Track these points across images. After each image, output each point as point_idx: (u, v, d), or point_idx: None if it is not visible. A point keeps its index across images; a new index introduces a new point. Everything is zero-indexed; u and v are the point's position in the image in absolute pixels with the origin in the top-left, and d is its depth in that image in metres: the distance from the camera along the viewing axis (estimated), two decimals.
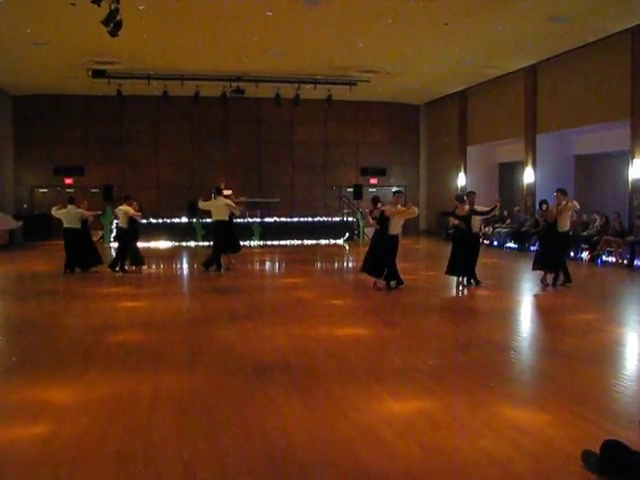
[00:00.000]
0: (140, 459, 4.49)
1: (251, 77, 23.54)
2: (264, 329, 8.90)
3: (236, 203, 15.99)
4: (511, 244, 21.27)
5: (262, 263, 18.03)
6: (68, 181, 27.67)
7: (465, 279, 12.80)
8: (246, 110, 28.09)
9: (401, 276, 12.49)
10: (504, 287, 13.27)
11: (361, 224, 24.31)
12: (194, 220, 23.04)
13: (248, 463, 4.44)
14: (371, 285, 12.48)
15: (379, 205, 12.39)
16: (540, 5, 14.93)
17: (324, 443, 4.77)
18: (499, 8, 15.22)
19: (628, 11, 15.51)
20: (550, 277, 12.80)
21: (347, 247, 22.87)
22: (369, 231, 13.08)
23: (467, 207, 12.83)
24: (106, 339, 8.31)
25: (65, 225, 14.86)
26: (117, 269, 14.86)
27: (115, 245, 21.75)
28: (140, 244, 15.95)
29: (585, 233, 17.88)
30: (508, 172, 26.04)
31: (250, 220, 22.94)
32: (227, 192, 22.93)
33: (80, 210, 14.94)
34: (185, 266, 18.11)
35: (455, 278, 12.84)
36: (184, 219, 23.27)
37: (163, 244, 22.23)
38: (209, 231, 22.47)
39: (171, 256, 19.70)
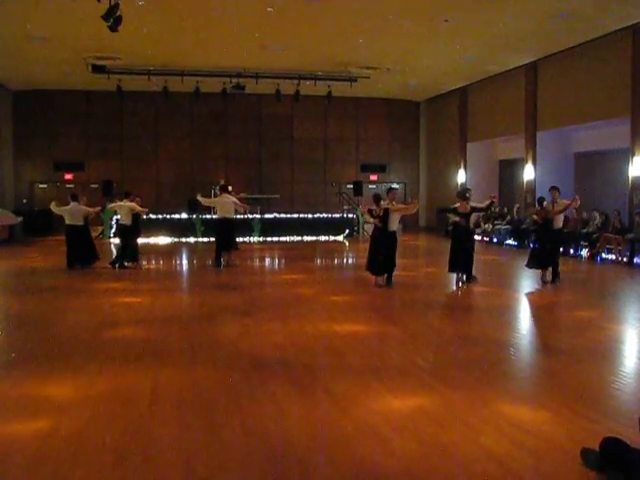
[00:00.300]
0: (140, 454, 4.50)
1: (251, 73, 23.50)
2: (263, 325, 8.91)
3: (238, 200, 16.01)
4: (510, 241, 21.26)
5: (262, 259, 18.02)
6: (68, 176, 27.68)
7: (464, 276, 12.82)
8: (246, 106, 28.06)
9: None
10: (503, 284, 13.28)
11: (361, 220, 24.30)
12: (194, 216, 23.03)
13: (247, 459, 4.44)
14: (371, 281, 12.49)
15: (382, 203, 12.38)
16: (541, 2, 14.91)
17: (323, 439, 4.78)
18: (500, 4, 15.20)
19: (629, 8, 15.48)
20: (549, 274, 12.82)
21: (347, 243, 22.86)
22: (369, 227, 13.08)
23: (469, 205, 12.85)
24: (106, 335, 8.31)
25: (68, 222, 14.80)
26: (117, 266, 14.84)
27: (115, 241, 21.81)
28: (140, 240, 15.94)
29: (585, 230, 17.87)
30: (508, 169, 26.04)
31: (250, 216, 22.93)
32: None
33: (84, 207, 14.95)
34: (185, 262, 18.10)
35: (455, 275, 12.86)
36: (184, 215, 23.25)
37: (162, 240, 22.22)
38: (209, 227, 22.54)
39: (171, 252, 19.69)
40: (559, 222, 12.89)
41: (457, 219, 12.99)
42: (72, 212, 14.82)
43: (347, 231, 24.36)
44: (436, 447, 4.64)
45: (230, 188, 16.99)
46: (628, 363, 7.28)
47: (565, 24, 16.62)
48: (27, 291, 12.12)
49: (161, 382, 6.20)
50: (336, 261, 18.56)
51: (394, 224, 12.46)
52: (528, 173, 21.95)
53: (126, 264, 14.90)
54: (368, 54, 20.85)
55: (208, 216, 23.11)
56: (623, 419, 5.17)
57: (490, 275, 14.67)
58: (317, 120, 29.31)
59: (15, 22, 16.68)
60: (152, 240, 21.69)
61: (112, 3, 12.65)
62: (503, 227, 22.01)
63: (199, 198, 16.00)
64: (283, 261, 18.15)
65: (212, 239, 21.92)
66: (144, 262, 15.24)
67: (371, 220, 12.69)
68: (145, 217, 15.91)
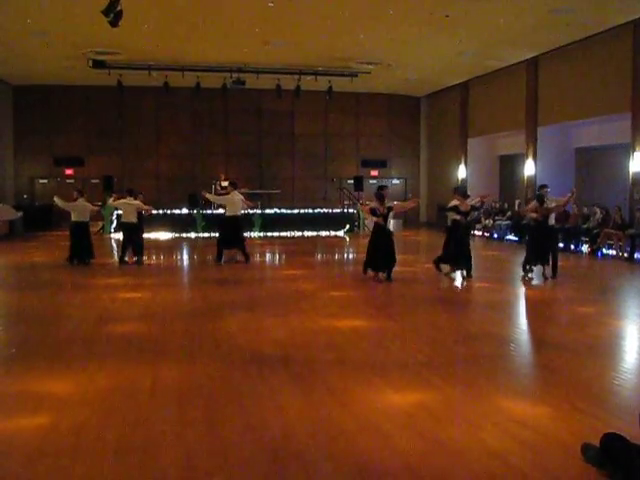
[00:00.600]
0: (140, 450, 4.50)
1: (252, 68, 23.48)
2: (264, 320, 8.91)
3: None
4: (511, 237, 21.26)
5: (262, 254, 18.00)
6: (68, 172, 27.68)
7: (465, 272, 12.86)
8: (247, 101, 28.04)
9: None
10: (504, 280, 13.26)
11: (361, 216, 24.28)
12: (194, 211, 23.02)
13: (248, 455, 4.44)
14: (371, 277, 12.51)
15: (386, 202, 12.47)
16: None
17: (323, 435, 4.78)
18: (500, 0, 15.17)
19: (630, 3, 15.46)
20: (548, 269, 12.86)
21: (347, 239, 22.86)
22: (370, 223, 13.09)
23: (469, 202, 12.96)
24: (106, 330, 8.32)
25: (75, 218, 14.59)
26: (121, 261, 14.83)
27: (116, 237, 21.81)
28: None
29: (585, 226, 17.86)
30: (509, 164, 26.01)
31: (250, 211, 22.91)
32: (226, 183, 22.94)
33: (89, 204, 14.93)
34: (185, 257, 18.10)
35: (459, 271, 13.09)
36: (184, 210, 23.24)
37: (163, 235, 22.21)
38: (210, 223, 22.54)
39: (171, 247, 19.69)
40: (552, 219, 12.96)
41: (458, 217, 13.07)
42: (80, 208, 14.66)
43: (348, 226, 24.36)
44: (436, 442, 4.64)
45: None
46: (629, 359, 7.28)
47: (566, 19, 16.58)
48: (27, 286, 12.13)
49: (161, 377, 6.20)
50: (337, 256, 18.57)
51: (390, 221, 12.61)
52: (529, 168, 21.94)
53: (127, 260, 14.83)
54: (369, 49, 20.82)
55: (209, 212, 23.13)
56: (624, 415, 5.18)
57: (490, 270, 14.67)
58: (318, 115, 29.28)
59: (15, 17, 16.65)
60: (152, 235, 21.67)
61: None
62: (504, 223, 22.00)
63: (207, 195, 15.85)
64: (284, 256, 18.15)
65: (212, 235, 22.17)
66: (144, 257, 15.18)
67: (373, 219, 12.71)
68: (147, 215, 15.74)
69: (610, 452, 4.13)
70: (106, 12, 12.92)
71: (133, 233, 14.94)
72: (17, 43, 19.56)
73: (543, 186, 13.31)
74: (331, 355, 7.02)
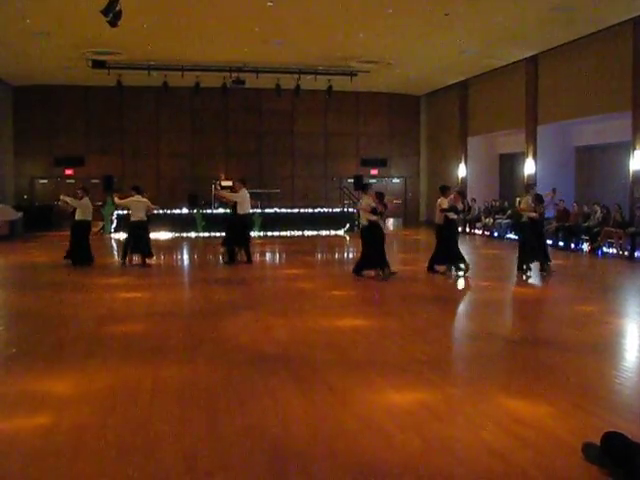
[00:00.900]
0: (141, 450, 4.49)
1: (251, 68, 23.48)
2: (265, 320, 8.91)
3: None
4: (511, 235, 21.25)
5: (262, 254, 17.99)
6: (68, 172, 27.67)
7: (464, 267, 13.10)
8: (246, 100, 28.05)
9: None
10: (504, 278, 13.25)
11: (361, 215, 24.21)
12: (194, 211, 23.02)
13: (248, 454, 4.44)
14: (372, 276, 12.54)
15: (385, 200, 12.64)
16: None
17: (324, 434, 4.78)
18: None
19: (630, 1, 15.44)
20: (547, 265, 13.03)
21: (348, 238, 22.85)
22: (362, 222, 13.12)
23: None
24: (107, 330, 8.31)
25: (81, 217, 14.37)
26: (124, 261, 14.59)
27: (116, 237, 21.80)
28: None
29: (586, 224, 17.85)
30: (508, 163, 26.01)
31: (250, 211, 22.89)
32: (227, 183, 22.93)
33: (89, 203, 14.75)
34: (186, 257, 18.10)
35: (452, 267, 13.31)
36: (184, 210, 23.23)
37: (163, 235, 22.20)
38: (210, 222, 22.54)
39: (172, 247, 19.68)
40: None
41: (455, 217, 13.38)
42: (86, 206, 14.46)
43: (348, 225, 24.34)
44: (437, 441, 4.64)
45: (230, 183, 16.86)
46: (630, 357, 7.28)
47: (565, 17, 16.58)
48: (27, 286, 12.13)
49: (162, 377, 6.20)
50: (337, 256, 18.57)
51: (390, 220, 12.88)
52: (529, 167, 21.93)
53: (134, 261, 14.62)
54: (368, 48, 20.80)
55: (209, 211, 23.12)
56: (625, 413, 5.18)
57: (491, 269, 14.67)
58: (317, 114, 29.28)
59: (15, 17, 16.64)
60: (153, 235, 21.62)
61: None
62: (504, 221, 21.99)
63: (222, 193, 15.44)
64: (284, 256, 18.15)
65: (212, 235, 22.17)
66: (154, 257, 15.09)
67: (373, 218, 12.71)
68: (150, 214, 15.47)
69: (611, 451, 4.12)
70: (105, 12, 12.90)
71: (143, 231, 14.63)
72: (17, 43, 19.55)
73: (533, 185, 13.56)
74: (332, 354, 7.02)
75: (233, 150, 28.72)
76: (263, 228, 23.17)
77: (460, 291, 12.21)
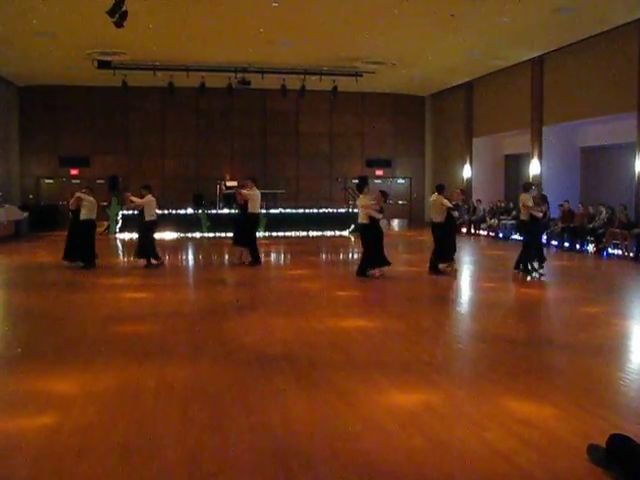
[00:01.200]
0: (145, 449, 4.50)
1: (257, 68, 23.49)
2: (269, 320, 8.91)
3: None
4: (516, 236, 21.20)
5: (267, 254, 17.98)
6: (74, 172, 27.76)
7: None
8: (251, 101, 28.08)
9: None
10: (509, 279, 13.22)
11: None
12: (199, 211, 23.03)
13: (253, 454, 4.44)
14: (376, 276, 12.55)
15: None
16: None
17: (328, 434, 4.77)
18: None
19: (635, 2, 15.40)
20: (542, 266, 13.25)
21: (352, 238, 22.83)
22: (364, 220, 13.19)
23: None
24: (111, 330, 8.32)
25: (87, 216, 14.19)
26: (154, 261, 14.37)
27: (121, 237, 21.83)
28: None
29: (591, 225, 17.81)
30: (514, 164, 25.98)
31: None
32: (232, 183, 22.96)
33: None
34: (190, 257, 18.12)
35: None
36: (189, 210, 23.25)
37: (168, 235, 22.22)
38: (214, 222, 22.55)
39: (176, 247, 19.70)
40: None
41: (457, 214, 13.90)
42: (94, 205, 14.37)
43: (353, 226, 24.31)
44: (441, 442, 4.63)
45: (235, 183, 16.79)
46: (635, 359, 7.26)
47: (571, 18, 16.54)
48: (33, 286, 12.16)
49: (166, 377, 6.20)
50: (341, 256, 18.56)
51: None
52: (534, 168, 21.89)
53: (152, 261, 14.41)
54: (374, 49, 20.80)
55: (213, 211, 23.13)
56: (630, 415, 5.17)
57: (495, 270, 14.64)
58: (322, 115, 29.30)
59: (21, 18, 16.69)
60: (157, 235, 21.67)
61: None
62: (509, 222, 21.95)
63: (243, 192, 15.19)
64: (288, 256, 18.16)
65: (219, 234, 22.19)
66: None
67: (379, 216, 12.78)
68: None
69: (616, 453, 4.11)
70: (111, 13, 12.94)
71: (154, 231, 14.50)
72: (23, 44, 19.60)
73: (531, 184, 13.81)
74: (336, 355, 7.02)
75: (238, 150, 28.74)
76: (268, 228, 23.17)
77: (464, 292, 12.20)
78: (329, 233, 23.69)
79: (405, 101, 30.10)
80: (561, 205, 19.07)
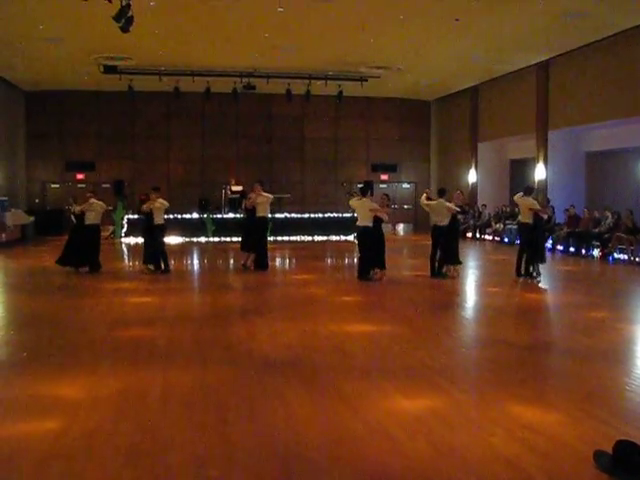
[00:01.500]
0: (150, 454, 4.50)
1: (262, 73, 23.55)
2: (274, 325, 8.91)
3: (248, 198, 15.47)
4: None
5: (272, 259, 17.98)
6: (79, 176, 27.83)
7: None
8: (257, 106, 28.12)
9: None
10: (514, 284, 13.20)
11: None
12: (205, 216, 23.06)
13: (258, 459, 4.43)
14: (378, 278, 12.60)
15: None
16: (552, 0, 14.84)
17: (333, 440, 4.76)
18: (510, 3, 15.14)
19: None
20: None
21: (356, 242, 22.82)
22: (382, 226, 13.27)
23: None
24: (117, 334, 8.33)
25: (94, 221, 14.18)
26: (163, 268, 14.18)
27: (127, 241, 21.88)
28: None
29: (596, 230, 17.77)
30: (519, 169, 25.94)
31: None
32: (237, 188, 22.98)
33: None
34: (196, 262, 18.13)
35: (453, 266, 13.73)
36: (195, 214, 23.27)
37: (173, 240, 22.24)
38: (220, 227, 22.58)
39: (182, 252, 19.72)
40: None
41: (460, 217, 14.25)
42: (103, 210, 14.39)
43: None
44: (446, 448, 4.62)
45: (240, 188, 16.76)
46: None
47: (576, 23, 16.53)
48: (38, 290, 12.19)
49: (171, 382, 6.21)
50: (347, 261, 18.55)
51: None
52: (539, 173, 21.86)
53: (150, 267, 14.24)
54: (379, 54, 20.83)
55: (218, 216, 23.16)
56: (636, 421, 5.15)
57: (501, 275, 14.60)
58: (328, 120, 29.32)
59: (28, 23, 16.76)
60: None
61: (123, 4, 12.69)
62: (514, 227, 21.89)
63: (251, 196, 14.99)
64: (294, 261, 18.16)
65: (224, 239, 22.23)
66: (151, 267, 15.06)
67: (385, 218, 13.11)
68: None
69: (623, 459, 4.09)
70: (117, 18, 13.00)
71: (161, 234, 14.35)
72: (30, 49, 19.68)
73: (533, 188, 14.04)
74: (341, 360, 7.01)
75: (243, 155, 28.77)
76: (273, 233, 23.14)
77: (469, 296, 12.19)
78: (334, 238, 23.71)
79: (410, 106, 30.10)
80: (567, 210, 19.04)
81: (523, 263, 13.34)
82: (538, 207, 13.29)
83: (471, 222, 24.40)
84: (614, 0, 14.89)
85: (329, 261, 18.57)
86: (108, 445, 4.66)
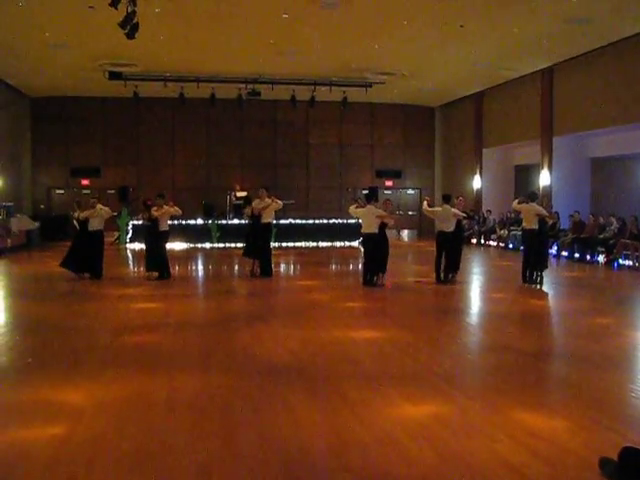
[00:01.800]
0: (155, 460, 4.50)
1: (267, 79, 23.62)
2: (278, 331, 8.91)
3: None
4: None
5: (277, 265, 18.00)
6: (85, 182, 27.92)
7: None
8: (261, 112, 28.18)
9: None
10: (519, 290, 13.17)
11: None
12: (209, 222, 23.09)
13: (262, 466, 4.43)
14: (386, 286, 12.56)
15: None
16: (556, 6, 14.86)
17: (339, 446, 4.76)
18: (515, 9, 15.16)
19: None
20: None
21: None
22: (388, 233, 13.31)
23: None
24: (122, 340, 8.34)
25: (98, 227, 14.17)
26: (165, 274, 14.18)
27: (132, 247, 21.92)
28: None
29: (602, 236, 17.74)
30: (524, 175, 25.94)
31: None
32: (242, 193, 23.02)
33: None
34: (200, 268, 18.15)
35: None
36: (199, 221, 23.31)
37: (178, 246, 22.28)
38: (224, 233, 22.61)
39: (186, 258, 19.75)
40: None
41: (465, 222, 14.73)
42: (101, 215, 14.27)
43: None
44: (452, 455, 4.61)
45: (245, 194, 16.75)
46: None
47: (581, 29, 16.54)
48: (44, 296, 12.20)
49: (176, 388, 6.21)
50: (351, 267, 18.54)
51: None
52: (544, 179, 21.84)
53: (154, 274, 14.21)
54: (383, 60, 20.87)
55: (223, 222, 23.19)
56: None
57: (505, 281, 14.59)
58: (332, 126, 29.37)
59: (33, 30, 16.85)
60: (167, 246, 21.70)
61: (129, 10, 12.75)
62: (519, 233, 21.86)
63: (279, 202, 14.98)
64: (298, 267, 18.16)
65: (229, 244, 22.25)
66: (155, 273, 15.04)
67: (392, 223, 13.39)
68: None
69: (628, 467, 4.07)
70: (123, 24, 13.07)
71: (164, 241, 14.36)
72: (35, 55, 19.78)
73: (537, 194, 14.15)
74: (346, 366, 7.00)
75: (248, 161, 28.83)
76: (278, 239, 23.19)
77: (474, 303, 12.17)
78: (339, 244, 23.71)
79: (415, 112, 30.14)
80: (571, 216, 19.01)
81: (528, 269, 13.33)
82: (546, 213, 13.32)
83: (476, 228, 24.38)
84: (619, 6, 14.90)
85: (333, 267, 18.56)
86: (113, 451, 4.67)
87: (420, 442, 4.83)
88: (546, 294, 12.66)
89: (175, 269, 15.69)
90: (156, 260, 14.19)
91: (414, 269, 17.09)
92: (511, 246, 22.07)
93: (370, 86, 24.39)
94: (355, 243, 23.87)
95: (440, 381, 6.43)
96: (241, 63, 21.51)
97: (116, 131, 27.89)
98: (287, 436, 4.95)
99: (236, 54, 20.22)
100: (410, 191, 30.91)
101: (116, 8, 12.21)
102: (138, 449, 4.69)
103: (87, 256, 14.11)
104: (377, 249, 12.90)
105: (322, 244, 23.62)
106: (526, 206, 13.46)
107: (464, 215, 13.59)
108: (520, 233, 21.63)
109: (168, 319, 9.82)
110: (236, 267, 17.25)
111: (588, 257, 17.84)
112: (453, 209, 13.48)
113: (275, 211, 15.09)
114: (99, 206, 14.25)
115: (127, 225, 22.85)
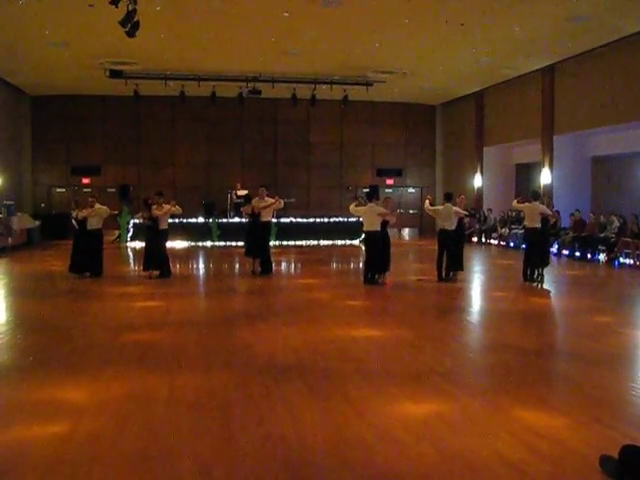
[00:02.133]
0: (156, 459, 4.51)
1: (267, 77, 23.60)
2: (280, 330, 8.91)
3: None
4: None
5: (278, 263, 17.99)
6: (85, 181, 27.91)
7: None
8: (262, 110, 28.15)
9: None
10: (520, 289, 13.17)
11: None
12: (210, 220, 23.09)
13: (263, 464, 4.44)
14: (387, 284, 12.56)
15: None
16: (557, 5, 14.84)
17: (340, 445, 4.76)
18: (516, 8, 15.14)
19: None
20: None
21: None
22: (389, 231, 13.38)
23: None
24: (122, 339, 8.34)
25: (97, 226, 14.20)
26: (165, 272, 14.17)
27: (132, 246, 21.92)
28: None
29: (602, 235, 17.74)
30: (525, 173, 25.92)
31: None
32: (243, 192, 22.99)
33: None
34: (201, 266, 18.15)
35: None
36: (200, 219, 23.30)
37: (179, 244, 22.28)
38: (225, 231, 22.60)
39: (187, 256, 19.75)
40: None
41: (467, 220, 14.81)
42: (100, 214, 14.30)
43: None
44: (452, 452, 4.61)
45: (245, 192, 16.73)
46: None
47: (582, 27, 16.52)
48: (44, 295, 12.20)
49: (177, 386, 6.22)
50: (352, 265, 18.54)
51: None
52: (545, 177, 21.83)
53: (155, 272, 14.16)
54: (384, 58, 20.84)
55: (224, 220, 23.19)
56: None
57: (506, 279, 14.59)
58: (333, 124, 29.34)
59: (34, 28, 16.83)
60: (168, 244, 21.69)
61: (129, 9, 12.74)
62: (520, 232, 21.87)
63: (280, 204, 15.09)
64: (299, 265, 18.16)
65: (229, 243, 22.25)
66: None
67: (393, 221, 13.41)
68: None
69: (629, 464, 4.07)
70: (123, 23, 13.04)
71: (164, 240, 14.35)
72: (35, 54, 19.76)
73: (540, 193, 14.36)
74: (347, 365, 7.00)
75: (249, 160, 28.82)
76: (279, 237, 23.20)
77: (475, 301, 12.17)
78: (340, 242, 23.71)
79: (416, 110, 30.12)
80: (572, 214, 19.01)
81: (529, 268, 13.34)
82: (550, 212, 13.41)
83: (477, 226, 24.38)
84: (619, 5, 14.88)
85: (334, 265, 18.56)
86: (113, 450, 4.67)
87: (421, 440, 4.83)
88: (547, 292, 12.66)
89: (176, 267, 15.70)
90: (156, 259, 14.18)
91: (415, 267, 17.09)
92: (512, 244, 22.07)
93: (371, 84, 24.36)
94: (356, 241, 23.87)
95: (441, 379, 6.44)
96: (242, 61, 21.49)
97: (117, 129, 27.86)
98: (288, 433, 4.96)
99: (237, 52, 20.20)
100: (411, 189, 30.89)
101: (116, 6, 12.19)
102: (139, 447, 4.70)
103: (87, 255, 14.19)
104: (379, 248, 12.90)
105: (323, 242, 23.61)
106: (529, 205, 13.45)
107: (466, 213, 13.64)
108: (521, 231, 21.76)
109: (169, 317, 9.83)
110: (237, 265, 17.25)
111: (589, 256, 17.84)
112: (455, 207, 13.51)
113: (275, 209, 15.06)
114: (97, 205, 14.30)
115: (128, 224, 22.84)
